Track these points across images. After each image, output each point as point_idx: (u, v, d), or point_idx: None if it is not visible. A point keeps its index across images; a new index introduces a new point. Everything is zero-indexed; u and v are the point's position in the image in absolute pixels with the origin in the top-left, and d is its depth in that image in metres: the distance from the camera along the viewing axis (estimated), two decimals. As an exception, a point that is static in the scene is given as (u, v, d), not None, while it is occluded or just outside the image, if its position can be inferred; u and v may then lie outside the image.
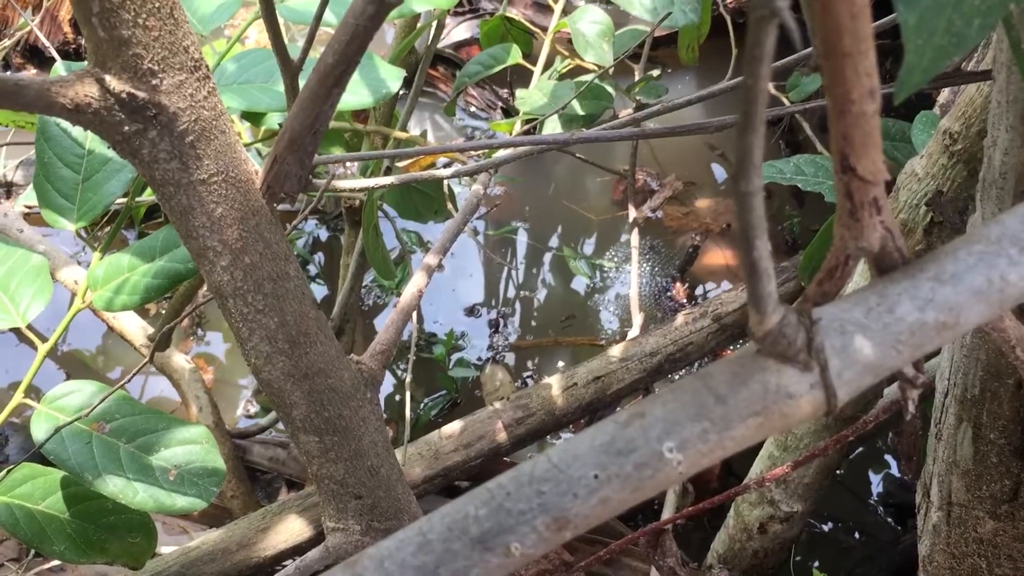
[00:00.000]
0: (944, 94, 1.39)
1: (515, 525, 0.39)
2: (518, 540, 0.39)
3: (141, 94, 0.55)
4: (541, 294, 2.06)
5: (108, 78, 0.54)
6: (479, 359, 1.92)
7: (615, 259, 2.08)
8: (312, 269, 2.06)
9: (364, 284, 1.93)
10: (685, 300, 1.98)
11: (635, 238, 1.76)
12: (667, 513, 1.46)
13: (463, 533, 0.40)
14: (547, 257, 2.11)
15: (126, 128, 0.56)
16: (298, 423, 0.70)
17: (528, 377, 1.89)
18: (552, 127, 1.30)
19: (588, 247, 2.12)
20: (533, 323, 2.00)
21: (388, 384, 1.87)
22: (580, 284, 2.05)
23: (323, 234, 2.14)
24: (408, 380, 1.21)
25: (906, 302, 0.40)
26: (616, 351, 1.54)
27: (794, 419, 0.39)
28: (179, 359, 1.64)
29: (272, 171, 0.62)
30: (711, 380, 0.40)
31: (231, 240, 0.62)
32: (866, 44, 0.34)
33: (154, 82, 0.55)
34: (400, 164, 1.34)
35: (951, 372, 0.75)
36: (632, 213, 1.77)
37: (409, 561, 0.40)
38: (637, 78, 1.54)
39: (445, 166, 1.42)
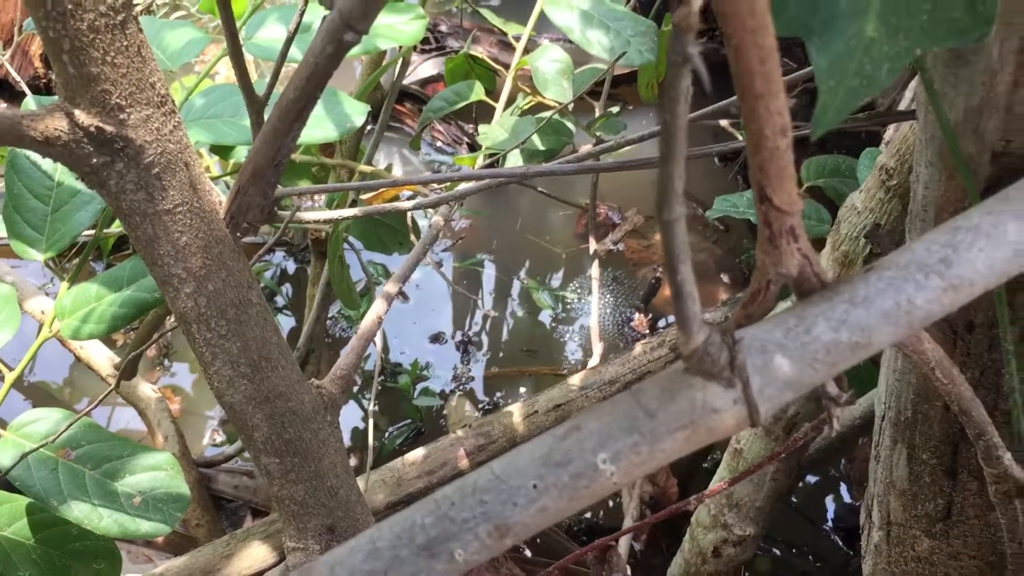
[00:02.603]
0: (889, 132, 1.43)
1: (459, 533, 0.41)
2: (462, 547, 0.42)
3: (109, 128, 0.57)
4: (507, 325, 2.08)
5: (77, 112, 0.56)
6: (444, 389, 1.93)
7: (578, 291, 2.11)
8: (279, 300, 2.08)
9: (330, 315, 1.95)
10: (647, 330, 2.01)
11: (596, 270, 1.79)
12: (624, 539, 1.48)
13: (410, 541, 0.42)
14: (514, 289, 2.14)
15: (94, 160, 0.58)
16: (260, 445, 0.72)
17: (493, 405, 1.91)
18: (514, 161, 1.33)
19: (553, 279, 2.15)
20: (500, 353, 2.02)
21: (354, 414, 1.89)
22: (545, 315, 2.08)
23: (291, 266, 2.15)
24: (372, 408, 1.23)
25: (822, 323, 0.42)
26: (576, 379, 1.56)
27: (719, 432, 0.41)
28: (145, 388, 1.65)
29: (236, 201, 0.64)
30: (642, 396, 0.42)
31: (195, 268, 0.64)
32: (776, 86, 0.37)
33: (121, 116, 0.58)
34: (365, 197, 1.37)
35: (886, 395, 0.78)
36: (593, 246, 1.81)
37: (359, 567, 0.42)
38: (597, 114, 1.58)
39: (409, 199, 1.44)
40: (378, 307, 0.84)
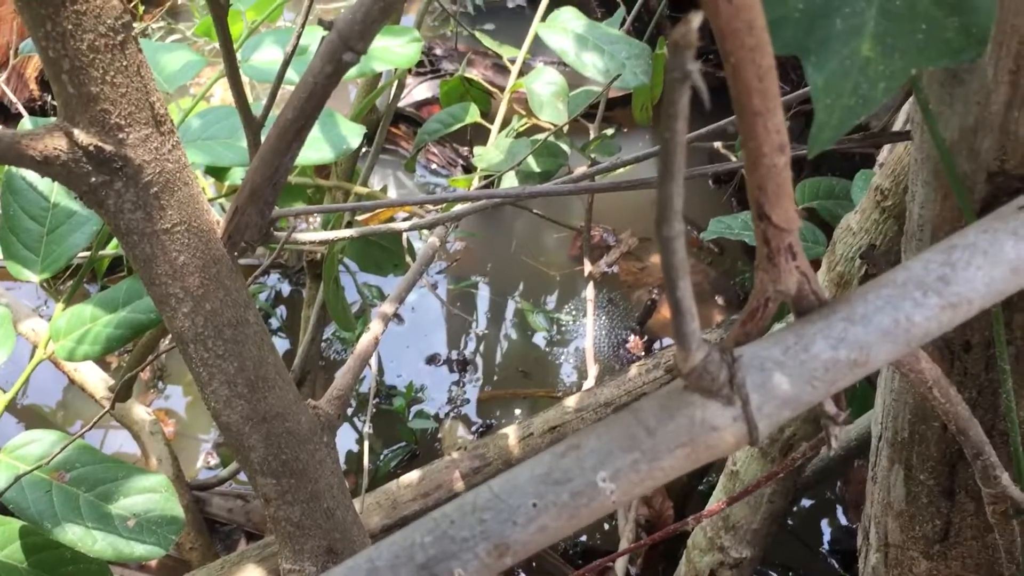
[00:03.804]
0: (884, 153, 1.44)
1: (458, 552, 0.41)
2: (461, 566, 0.41)
3: (108, 147, 0.58)
4: (501, 347, 2.08)
5: (76, 131, 0.57)
6: (439, 412, 1.93)
7: (573, 312, 2.11)
8: (274, 323, 2.08)
9: (324, 337, 1.95)
10: (643, 353, 2.02)
11: (590, 292, 1.80)
12: (620, 562, 1.47)
13: (409, 560, 0.42)
14: (508, 311, 2.14)
15: (93, 179, 0.58)
16: (256, 466, 0.72)
17: (487, 427, 1.91)
18: (509, 183, 1.34)
19: (548, 301, 2.15)
20: (495, 375, 2.02)
21: (349, 437, 1.88)
22: (540, 337, 2.08)
23: (285, 288, 2.15)
24: (367, 430, 1.23)
25: (820, 341, 0.43)
26: (571, 401, 1.56)
27: (719, 450, 0.41)
28: (140, 411, 1.64)
29: (233, 221, 0.64)
30: (642, 413, 0.42)
31: (193, 287, 0.64)
32: (774, 103, 0.37)
33: (120, 136, 0.58)
34: (360, 218, 1.37)
35: (883, 416, 0.78)
36: (588, 268, 1.81)
37: (358, 587, 0.41)
38: (592, 136, 1.59)
39: (405, 220, 1.45)
40: (374, 328, 0.84)
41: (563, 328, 2.09)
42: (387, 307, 0.88)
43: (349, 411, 1.94)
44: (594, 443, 0.42)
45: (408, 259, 1.42)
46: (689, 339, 0.39)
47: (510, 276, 2.20)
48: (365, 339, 0.84)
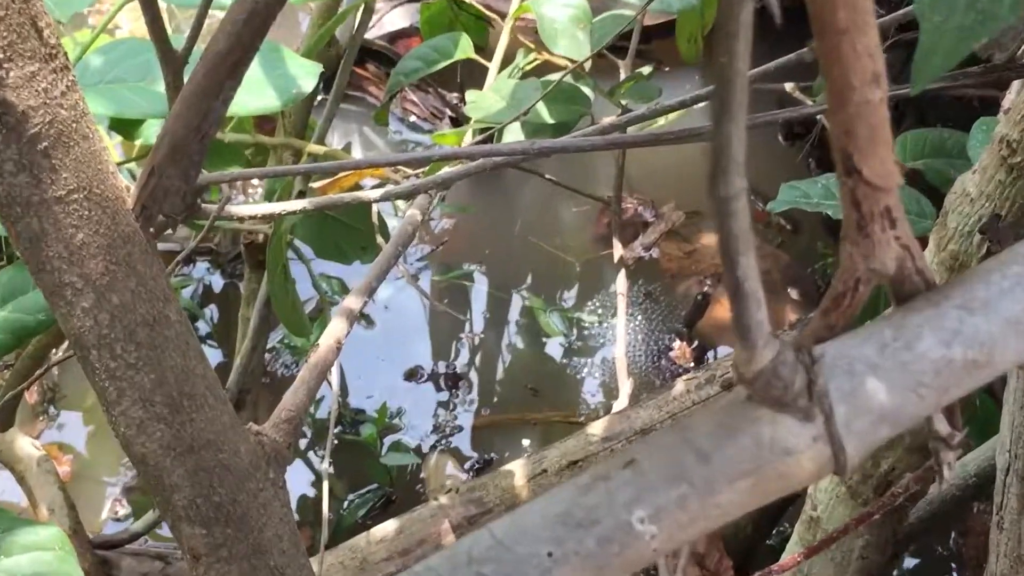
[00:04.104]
0: (1011, 95, 1.44)
1: (449, 619, 0.41)
2: (453, 639, 0.42)
3: (-19, 89, 0.58)
4: (504, 357, 2.09)
5: (-61, 69, 0.57)
6: (421, 443, 1.94)
7: (599, 312, 2.11)
8: (203, 327, 2.08)
9: (270, 346, 1.95)
10: (691, 363, 2.02)
11: (622, 284, 1.80)
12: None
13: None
14: (512, 309, 2.14)
15: (-39, 132, 0.58)
16: (181, 511, 0.72)
17: (484, 463, 1.91)
18: (512, 138, 1.34)
19: (565, 297, 2.16)
20: (493, 396, 2.03)
21: (303, 477, 1.89)
22: (554, 345, 2.08)
23: (217, 282, 2.16)
24: (326, 467, 1.23)
25: (928, 336, 0.43)
26: (597, 428, 1.57)
27: (794, 480, 0.41)
28: (25, 445, 1.64)
29: (148, 187, 0.64)
30: (692, 433, 0.42)
31: (95, 274, 0.64)
32: (866, 17, 0.37)
33: (-2, 74, 0.58)
34: (316, 185, 1.37)
35: (1012, 441, 0.78)
36: (618, 252, 1.81)
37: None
38: (623, 77, 1.59)
39: (375, 188, 1.45)
40: (335, 329, 0.84)
41: (586, 332, 2.09)
42: (352, 301, 0.88)
43: (303, 442, 1.94)
44: (628, 473, 0.42)
45: (380, 241, 1.42)
46: (754, 333, 0.39)
47: (515, 264, 2.21)
48: (324, 343, 0.84)
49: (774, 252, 2.18)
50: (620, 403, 1.67)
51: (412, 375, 2.03)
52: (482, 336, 2.11)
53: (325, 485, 1.20)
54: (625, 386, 1.70)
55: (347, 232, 1.43)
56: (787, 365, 0.41)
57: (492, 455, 1.93)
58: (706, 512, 0.41)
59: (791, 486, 0.41)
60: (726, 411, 0.42)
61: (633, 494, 0.41)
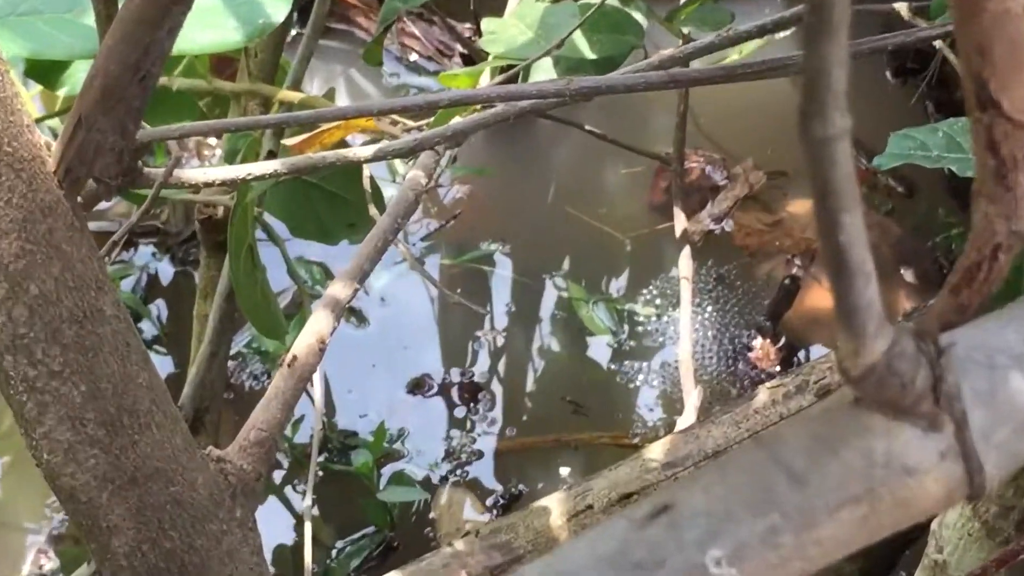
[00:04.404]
0: None
1: None
2: None
3: None
4: (535, 361, 2.08)
5: None
6: (430, 474, 1.93)
7: (657, 302, 2.11)
8: (148, 328, 2.08)
9: (234, 350, 1.95)
10: (776, 366, 2.01)
11: (687, 265, 1.79)
12: None
13: None
14: (545, 301, 2.14)
15: None
16: (122, 561, 0.72)
17: (511, 498, 1.91)
18: (543, 77, 1.33)
19: (613, 284, 2.15)
20: (522, 412, 2.02)
21: (279, 519, 1.89)
22: (600, 345, 2.08)
23: (165, 270, 2.16)
24: (308, 505, 1.23)
25: (1092, 318, 0.42)
26: (657, 452, 1.56)
27: (915, 508, 0.41)
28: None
29: (74, 143, 0.65)
30: (781, 449, 0.42)
31: (7, 257, 0.64)
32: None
33: None
34: (290, 143, 1.37)
35: None
36: (681, 224, 1.80)
37: None
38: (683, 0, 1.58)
39: (365, 145, 1.45)
40: (318, 326, 0.84)
41: (640, 329, 2.09)
42: (338, 293, 0.88)
43: (278, 474, 1.94)
44: (700, 501, 0.42)
45: (373, 213, 1.42)
46: (862, 316, 0.39)
47: (548, 242, 2.21)
48: (303, 342, 0.84)
49: (882, 222, 2.17)
50: (686, 419, 1.67)
51: (418, 387, 2.02)
52: (506, 335, 2.10)
53: (308, 528, 1.20)
54: (692, 397, 1.69)
55: (331, 203, 1.43)
56: (906, 358, 0.41)
57: (521, 488, 1.92)
58: (802, 551, 0.41)
59: (911, 516, 0.41)
60: (826, 420, 0.42)
61: (707, 528, 0.41)
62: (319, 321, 0.85)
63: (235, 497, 0.75)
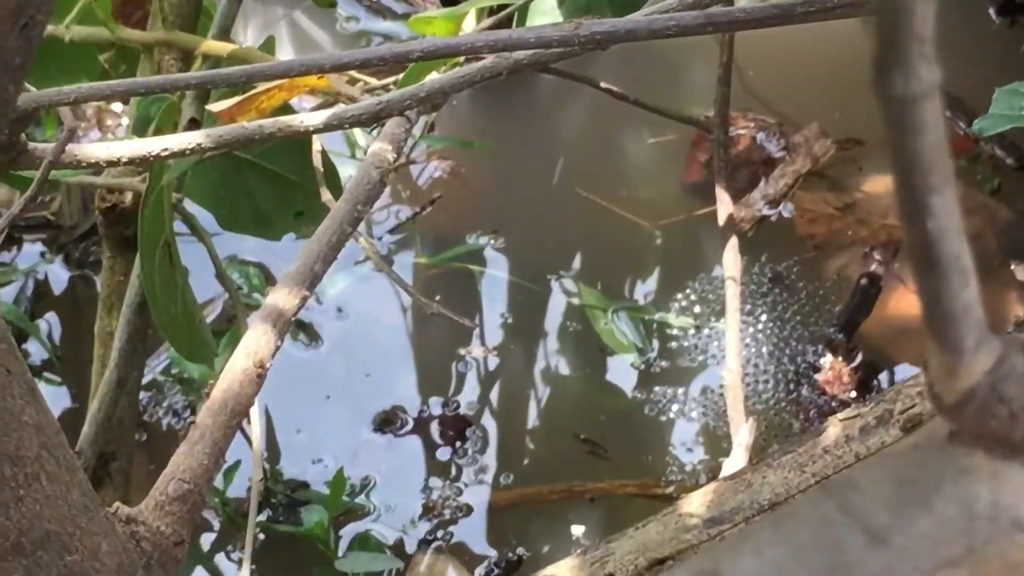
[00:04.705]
0: None
1: None
2: None
3: None
4: (538, 390, 2.08)
5: None
6: (404, 536, 1.93)
7: (695, 310, 2.11)
8: (36, 350, 2.08)
9: (147, 378, 1.95)
10: (852, 391, 2.01)
11: (733, 262, 1.79)
12: None
13: None
14: (551, 310, 2.13)
15: None
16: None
17: (509, 565, 1.91)
18: (544, 21, 1.34)
19: (639, 287, 2.15)
20: (522, 455, 2.02)
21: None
22: (622, 367, 2.08)
23: (58, 274, 2.16)
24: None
25: None
26: (696, 504, 1.56)
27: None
28: None
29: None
30: (856, 498, 0.42)
31: None
32: None
33: None
34: (216, 108, 1.37)
35: None
36: (725, 209, 1.81)
37: None
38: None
39: (315, 111, 1.45)
40: (255, 344, 0.84)
41: (673, 345, 2.09)
42: (281, 301, 0.87)
43: (207, 537, 1.94)
44: (752, 568, 0.42)
45: (326, 199, 1.42)
46: (958, 326, 0.39)
47: (553, 234, 2.21)
48: (234, 375, 0.83)
49: (986, 204, 2.17)
50: (734, 462, 1.67)
51: (387, 423, 2.02)
52: (501, 355, 2.10)
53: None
54: (742, 433, 1.69)
55: (271, 186, 1.43)
56: (1016, 379, 0.40)
57: (522, 553, 1.92)
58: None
59: (1027, 582, 0.41)
60: (913, 461, 0.42)
61: (759, 603, 0.41)
62: (256, 339, 0.85)
63: (150, 569, 0.75)
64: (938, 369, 0.40)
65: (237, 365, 0.84)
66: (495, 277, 2.16)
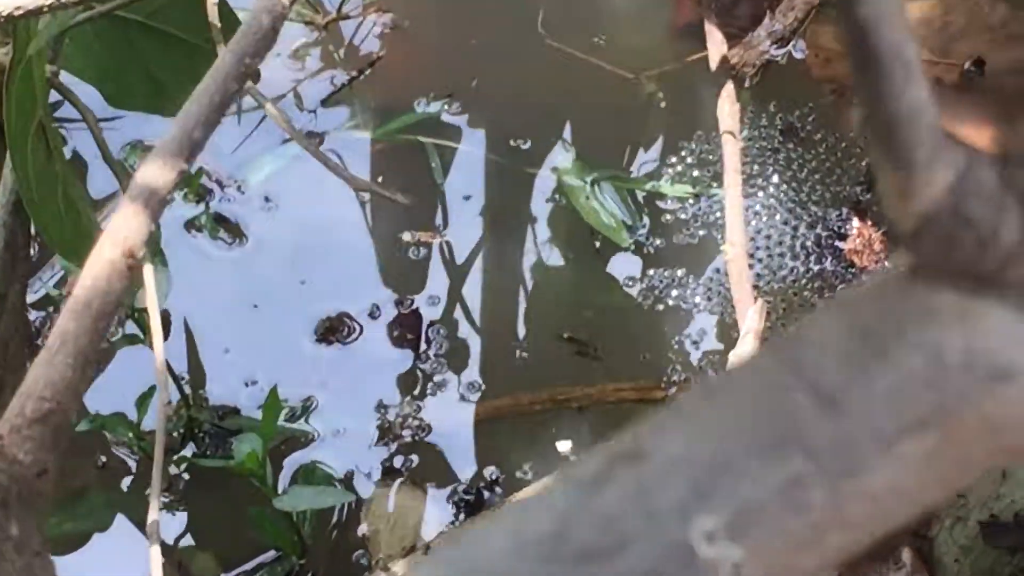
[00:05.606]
0: None
1: None
2: None
3: None
4: (511, 282, 2.07)
5: None
6: (355, 468, 1.93)
7: (693, 175, 2.10)
8: None
9: (38, 293, 1.95)
10: (883, 259, 2.01)
11: (729, 111, 1.79)
12: None
13: None
14: (522, 184, 2.13)
15: None
16: None
17: (482, 490, 1.91)
18: None
19: (627, 156, 2.15)
20: (496, 359, 2.02)
21: (127, 542, 1.89)
22: (609, 251, 2.07)
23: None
24: (154, 520, 1.22)
25: None
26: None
27: (1008, 430, 0.41)
28: None
29: None
30: (805, 355, 0.41)
31: None
32: None
33: None
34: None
35: None
36: (716, 50, 1.80)
37: None
38: None
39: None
40: (124, 230, 0.83)
41: (668, 218, 2.08)
42: (154, 176, 0.86)
43: (126, 479, 1.94)
44: (682, 445, 0.42)
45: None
46: (904, 132, 0.38)
47: (520, 93, 2.20)
48: (98, 269, 0.83)
49: None
50: (743, 352, 1.67)
51: (331, 331, 2.01)
52: (464, 244, 2.09)
53: (155, 556, 1.20)
54: (750, 317, 1.69)
55: (167, 51, 1.42)
56: (984, 196, 0.40)
57: (497, 474, 1.92)
58: (840, 512, 0.41)
59: (1007, 444, 0.41)
60: (870, 307, 0.42)
61: (692, 487, 0.41)
62: (126, 223, 0.84)
63: (7, 507, 0.74)
64: (889, 189, 0.40)
65: (103, 255, 0.83)
66: (452, 150, 2.15)
